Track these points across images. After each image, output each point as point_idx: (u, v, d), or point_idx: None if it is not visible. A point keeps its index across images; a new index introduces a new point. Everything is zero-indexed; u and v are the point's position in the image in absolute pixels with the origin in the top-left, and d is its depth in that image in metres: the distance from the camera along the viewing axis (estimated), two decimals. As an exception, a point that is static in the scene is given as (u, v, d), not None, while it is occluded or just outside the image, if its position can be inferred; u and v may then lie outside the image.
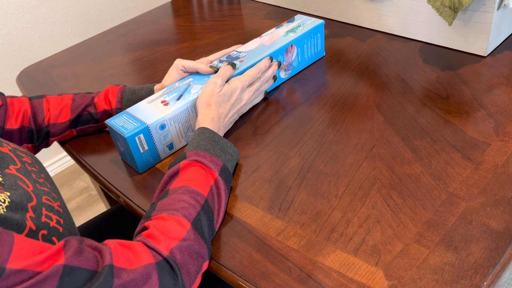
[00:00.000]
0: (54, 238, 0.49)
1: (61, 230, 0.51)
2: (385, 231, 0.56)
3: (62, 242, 0.45)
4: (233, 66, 0.77)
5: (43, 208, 0.50)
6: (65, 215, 0.54)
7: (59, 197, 0.56)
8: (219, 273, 0.56)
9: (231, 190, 0.66)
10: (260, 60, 0.80)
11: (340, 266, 0.53)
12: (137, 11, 1.92)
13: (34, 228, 0.47)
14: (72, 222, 0.56)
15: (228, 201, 0.64)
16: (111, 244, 0.48)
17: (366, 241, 0.55)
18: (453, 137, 0.67)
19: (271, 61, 0.80)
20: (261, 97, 0.82)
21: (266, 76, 0.80)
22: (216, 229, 0.59)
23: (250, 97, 0.77)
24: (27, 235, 0.46)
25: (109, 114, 0.78)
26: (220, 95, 0.71)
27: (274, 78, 0.83)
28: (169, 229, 0.52)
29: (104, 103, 0.78)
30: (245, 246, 0.57)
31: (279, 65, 0.83)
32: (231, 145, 0.67)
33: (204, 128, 0.67)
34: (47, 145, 0.80)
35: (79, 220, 1.70)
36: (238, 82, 0.74)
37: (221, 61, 0.81)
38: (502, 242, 0.52)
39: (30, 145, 0.78)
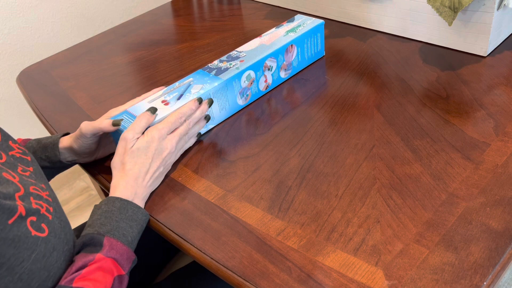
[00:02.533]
0: (43, 225, 0.50)
1: (50, 218, 0.52)
2: (385, 231, 0.56)
3: None
4: (152, 111, 0.68)
5: (31, 197, 0.51)
6: (55, 204, 0.55)
7: (48, 188, 0.57)
8: (219, 273, 0.56)
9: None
10: (260, 60, 0.80)
11: (340, 266, 0.53)
12: (137, 11, 1.92)
13: (24, 213, 0.48)
14: (62, 212, 0.56)
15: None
16: None
17: (366, 241, 0.55)
18: (453, 137, 0.67)
19: (199, 103, 0.71)
20: (193, 140, 0.74)
21: (193, 118, 0.71)
22: None
23: (175, 144, 0.67)
24: (15, 221, 0.47)
25: None
26: (134, 150, 0.63)
27: (207, 118, 0.75)
28: None
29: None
30: (245, 246, 0.57)
31: (211, 102, 0.73)
32: (139, 210, 0.61)
33: (113, 198, 0.60)
34: None
35: (79, 220, 1.70)
36: (154, 131, 0.65)
37: (221, 61, 0.81)
38: (502, 242, 0.52)
39: None
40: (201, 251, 0.58)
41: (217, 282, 0.80)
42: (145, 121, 0.67)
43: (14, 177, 0.51)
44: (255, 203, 0.63)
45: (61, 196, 1.84)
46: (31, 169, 0.58)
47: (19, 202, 0.48)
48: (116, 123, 0.68)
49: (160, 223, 0.63)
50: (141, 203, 0.63)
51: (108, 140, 0.75)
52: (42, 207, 0.51)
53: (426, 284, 0.49)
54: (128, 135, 0.64)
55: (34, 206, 0.50)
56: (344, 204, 0.60)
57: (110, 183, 0.72)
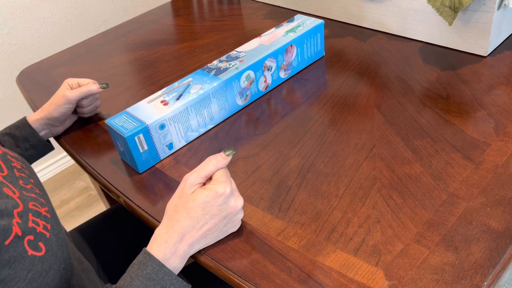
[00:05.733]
0: (40, 244, 0.49)
1: (48, 236, 0.50)
2: (385, 231, 0.56)
3: None
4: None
5: (30, 214, 0.50)
6: (53, 220, 0.54)
7: (47, 203, 0.56)
8: (219, 273, 0.56)
9: None
10: (259, 60, 0.80)
11: (340, 266, 0.53)
12: (137, 11, 1.92)
13: (20, 233, 0.47)
14: (60, 228, 0.55)
15: None
16: None
17: (366, 241, 0.55)
18: (453, 137, 0.67)
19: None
20: None
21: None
22: None
23: (240, 205, 0.57)
24: (12, 241, 0.46)
25: None
26: (189, 199, 0.55)
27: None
28: None
29: None
30: (245, 246, 0.57)
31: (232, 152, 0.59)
32: (161, 270, 0.53)
33: (143, 251, 0.54)
34: None
35: (79, 220, 1.70)
36: (220, 186, 0.55)
37: (221, 61, 0.81)
38: (502, 242, 0.51)
39: None
40: (201, 252, 0.57)
41: (217, 282, 0.80)
42: (213, 165, 0.56)
43: (14, 193, 0.51)
44: (255, 203, 0.63)
45: (61, 196, 1.84)
46: (32, 181, 0.57)
47: (16, 220, 0.48)
48: (103, 86, 0.78)
49: (160, 222, 0.63)
50: (178, 260, 0.55)
51: (76, 109, 0.85)
52: (39, 225, 0.50)
53: (427, 284, 0.49)
54: (189, 178, 0.56)
55: (30, 224, 0.49)
56: (344, 204, 0.60)
57: (110, 183, 0.72)
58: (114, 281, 0.81)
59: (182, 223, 0.54)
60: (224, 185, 0.54)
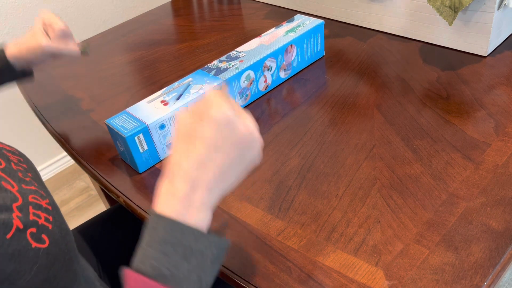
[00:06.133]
0: (43, 236, 0.49)
1: (50, 228, 0.50)
2: (385, 231, 0.56)
3: None
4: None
5: (30, 207, 0.50)
6: (55, 212, 0.54)
7: (47, 195, 0.55)
8: (219, 274, 0.56)
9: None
10: (259, 60, 0.80)
11: (340, 266, 0.53)
12: (137, 11, 1.92)
13: (21, 226, 0.47)
14: (62, 220, 0.55)
15: None
16: None
17: (366, 241, 0.55)
18: (453, 137, 0.67)
19: None
20: None
21: None
22: None
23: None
24: (14, 234, 0.46)
25: None
26: (212, 117, 0.44)
27: None
28: None
29: None
30: (245, 246, 0.57)
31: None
32: (207, 237, 0.42)
33: (152, 211, 0.43)
34: None
35: (79, 220, 1.70)
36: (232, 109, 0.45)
37: (221, 61, 0.81)
38: (502, 242, 0.51)
39: None
40: (201, 251, 0.57)
41: (217, 282, 0.80)
42: (200, 95, 0.48)
43: (13, 186, 0.50)
44: (255, 203, 0.63)
45: (61, 196, 1.84)
46: (30, 174, 0.57)
47: (16, 214, 0.47)
48: (83, 50, 0.71)
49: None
50: (197, 214, 0.42)
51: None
52: (40, 217, 0.50)
53: (427, 284, 0.49)
54: (180, 116, 0.45)
55: (31, 217, 0.49)
56: (344, 204, 0.60)
57: (110, 183, 0.72)
58: (114, 281, 0.81)
59: (186, 168, 0.42)
60: (221, 108, 0.43)
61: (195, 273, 0.41)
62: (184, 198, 0.42)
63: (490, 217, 0.55)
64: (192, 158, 0.43)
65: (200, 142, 0.43)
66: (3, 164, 0.53)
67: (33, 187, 0.53)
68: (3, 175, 0.51)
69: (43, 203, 0.52)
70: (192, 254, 0.41)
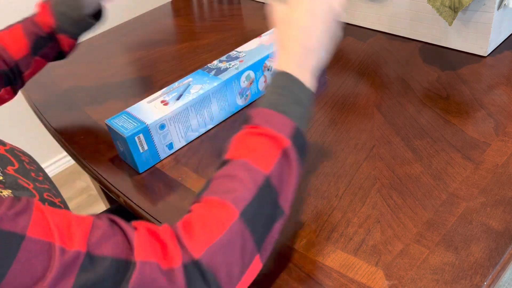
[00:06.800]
0: None
1: None
2: (385, 231, 0.56)
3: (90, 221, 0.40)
4: None
5: (46, 203, 0.50)
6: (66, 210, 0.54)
7: (58, 194, 0.56)
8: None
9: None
10: (259, 60, 0.80)
11: (340, 266, 0.53)
12: (137, 11, 1.92)
13: None
14: None
15: (299, 176, 0.49)
16: (139, 231, 0.41)
17: (366, 241, 0.55)
18: (453, 137, 0.67)
19: None
20: None
21: None
22: (287, 212, 0.47)
23: None
24: None
25: (52, 30, 0.77)
26: None
27: None
28: (211, 221, 0.43)
29: (44, 21, 0.77)
30: (245, 246, 0.57)
31: None
32: (305, 90, 0.52)
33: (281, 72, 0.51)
34: (23, 83, 0.80)
35: (79, 220, 1.70)
36: None
37: (221, 61, 0.81)
38: (502, 242, 0.51)
39: (9, 87, 0.77)
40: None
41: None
42: None
43: (28, 184, 0.51)
44: (255, 203, 0.63)
45: (61, 196, 1.84)
46: (41, 173, 0.58)
47: None
48: None
49: (160, 222, 0.63)
50: (308, 75, 0.53)
51: None
52: None
53: (427, 284, 0.49)
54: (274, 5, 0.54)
55: None
56: (344, 204, 0.60)
57: (110, 183, 0.72)
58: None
59: (296, 36, 0.51)
60: None
61: (305, 118, 0.51)
62: (299, 58, 0.52)
63: (490, 217, 0.55)
64: (300, 29, 0.51)
65: (305, 15, 0.51)
66: (16, 165, 0.54)
67: (46, 186, 0.54)
68: (17, 175, 0.52)
69: (56, 201, 0.53)
70: (301, 103, 0.51)
